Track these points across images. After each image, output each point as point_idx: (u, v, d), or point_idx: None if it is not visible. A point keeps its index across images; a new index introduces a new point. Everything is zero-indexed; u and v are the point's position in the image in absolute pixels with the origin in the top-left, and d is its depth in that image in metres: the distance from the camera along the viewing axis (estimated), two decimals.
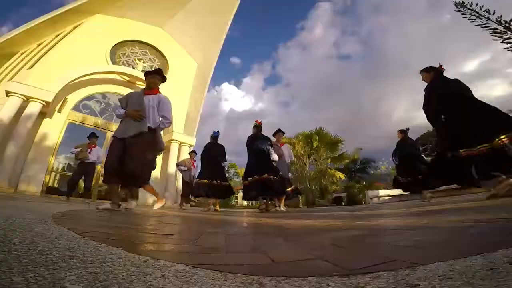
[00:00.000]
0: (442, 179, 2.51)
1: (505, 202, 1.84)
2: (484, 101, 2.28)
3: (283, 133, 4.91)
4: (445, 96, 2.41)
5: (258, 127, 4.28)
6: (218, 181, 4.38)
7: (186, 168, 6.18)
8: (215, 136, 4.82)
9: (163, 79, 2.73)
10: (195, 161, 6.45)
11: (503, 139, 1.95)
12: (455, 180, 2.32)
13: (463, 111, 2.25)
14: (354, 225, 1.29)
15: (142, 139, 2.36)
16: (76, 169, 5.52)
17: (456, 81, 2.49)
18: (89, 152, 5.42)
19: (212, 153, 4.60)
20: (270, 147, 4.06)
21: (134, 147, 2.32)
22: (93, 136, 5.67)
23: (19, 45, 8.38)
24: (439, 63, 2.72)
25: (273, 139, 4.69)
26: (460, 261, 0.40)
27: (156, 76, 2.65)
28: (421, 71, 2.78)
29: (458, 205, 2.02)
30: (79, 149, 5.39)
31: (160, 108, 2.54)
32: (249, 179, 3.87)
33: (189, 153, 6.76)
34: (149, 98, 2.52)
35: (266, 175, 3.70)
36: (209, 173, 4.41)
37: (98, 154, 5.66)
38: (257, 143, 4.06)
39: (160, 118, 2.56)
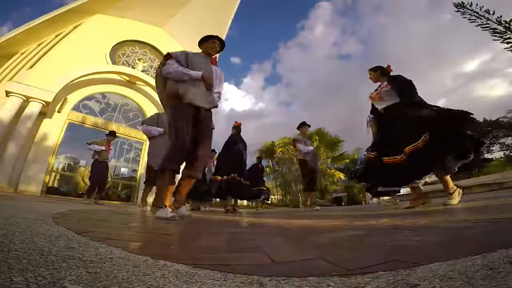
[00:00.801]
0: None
1: (505, 202, 1.84)
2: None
3: (309, 126, 4.73)
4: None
5: (237, 128, 4.52)
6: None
7: (207, 169, 5.85)
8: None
9: (222, 47, 2.22)
10: (214, 160, 6.03)
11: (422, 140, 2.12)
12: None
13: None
14: (354, 225, 1.29)
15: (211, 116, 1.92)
16: (94, 169, 4.99)
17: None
18: (108, 152, 5.03)
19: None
20: (245, 152, 4.48)
21: (208, 123, 1.87)
22: (113, 135, 5.24)
23: (19, 45, 8.39)
24: (388, 65, 2.81)
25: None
26: (460, 261, 0.40)
27: (217, 41, 2.14)
28: (369, 70, 2.85)
29: (458, 205, 2.01)
30: (102, 148, 4.93)
31: (218, 83, 2.10)
32: (224, 177, 4.06)
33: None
34: (213, 67, 2.07)
35: (242, 179, 4.10)
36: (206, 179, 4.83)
37: (111, 154, 5.29)
38: (239, 145, 4.31)
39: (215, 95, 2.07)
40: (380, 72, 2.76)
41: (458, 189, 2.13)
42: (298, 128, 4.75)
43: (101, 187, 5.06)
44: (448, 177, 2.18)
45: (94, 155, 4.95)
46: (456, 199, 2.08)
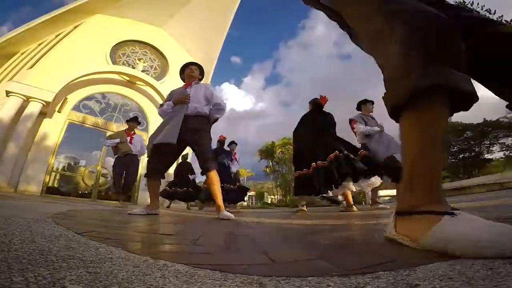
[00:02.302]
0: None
1: (505, 202, 1.84)
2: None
3: (372, 102, 3.75)
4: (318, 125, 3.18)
5: (221, 142, 5.60)
6: (189, 189, 5.76)
7: (227, 164, 5.56)
8: (186, 157, 6.26)
9: (202, 70, 2.66)
10: (235, 153, 5.87)
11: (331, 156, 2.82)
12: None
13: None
14: (354, 225, 1.29)
15: None
16: (116, 164, 4.25)
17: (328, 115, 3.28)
18: (130, 142, 4.23)
19: (184, 168, 6.09)
20: (230, 161, 5.47)
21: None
22: (134, 120, 4.44)
23: (19, 45, 8.40)
24: (320, 95, 3.36)
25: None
26: (460, 261, 0.40)
27: (192, 67, 2.55)
28: (309, 102, 3.48)
29: (458, 205, 2.02)
30: (117, 140, 4.15)
31: (210, 96, 2.56)
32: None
33: (229, 145, 5.97)
34: (193, 87, 2.51)
35: (226, 184, 4.77)
36: (182, 182, 5.78)
37: (141, 143, 4.43)
38: (222, 156, 5.29)
39: None
40: (312, 105, 3.37)
41: (354, 207, 2.97)
42: (359, 107, 3.80)
43: (125, 185, 4.30)
44: (348, 193, 2.94)
45: (115, 151, 4.24)
46: (353, 209, 2.91)
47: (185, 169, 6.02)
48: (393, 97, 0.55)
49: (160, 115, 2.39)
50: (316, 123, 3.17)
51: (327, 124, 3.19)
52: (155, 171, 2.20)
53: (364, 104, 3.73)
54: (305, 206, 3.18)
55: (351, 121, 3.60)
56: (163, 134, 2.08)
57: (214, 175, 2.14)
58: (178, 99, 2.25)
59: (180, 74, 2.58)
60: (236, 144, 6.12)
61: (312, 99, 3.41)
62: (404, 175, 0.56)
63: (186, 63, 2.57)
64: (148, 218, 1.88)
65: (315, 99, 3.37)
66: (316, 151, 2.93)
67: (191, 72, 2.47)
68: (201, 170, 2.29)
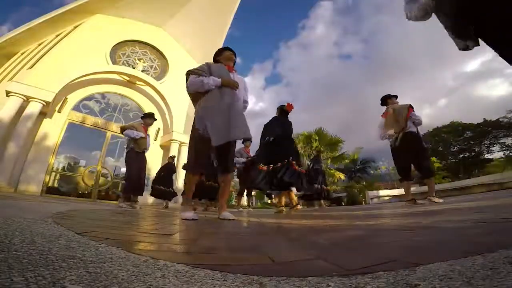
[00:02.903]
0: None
1: (505, 202, 1.84)
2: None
3: (396, 97, 3.62)
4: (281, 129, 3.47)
5: None
6: (169, 188, 5.91)
7: (244, 160, 5.27)
8: (172, 158, 6.56)
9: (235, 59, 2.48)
10: (249, 150, 5.68)
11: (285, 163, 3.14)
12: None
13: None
14: (354, 225, 1.29)
15: None
16: (131, 161, 3.81)
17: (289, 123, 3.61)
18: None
19: (169, 169, 6.23)
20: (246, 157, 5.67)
21: None
22: (151, 116, 4.14)
23: (20, 45, 8.39)
24: (287, 102, 3.65)
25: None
26: (460, 261, 0.40)
27: (232, 52, 2.37)
28: (277, 108, 3.77)
29: (458, 205, 2.02)
30: (142, 134, 3.82)
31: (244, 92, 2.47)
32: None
33: (243, 142, 5.58)
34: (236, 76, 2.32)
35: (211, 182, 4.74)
36: (164, 182, 5.95)
37: (149, 142, 4.08)
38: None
39: None
40: (280, 110, 3.65)
41: (284, 208, 3.35)
42: (384, 102, 3.64)
43: (141, 187, 3.93)
44: (292, 194, 3.50)
45: (130, 143, 3.82)
46: (283, 211, 3.26)
47: (169, 169, 6.17)
48: None
49: (195, 83, 2.03)
50: (284, 128, 3.50)
51: (290, 131, 3.60)
52: (202, 164, 2.00)
53: (390, 99, 3.61)
54: (283, 207, 3.38)
55: (409, 108, 3.34)
56: (230, 130, 1.84)
57: (230, 177, 2.25)
58: (229, 81, 2.03)
59: (217, 55, 2.35)
60: (251, 141, 5.68)
61: (279, 105, 3.74)
62: None
63: (224, 47, 2.40)
64: (148, 218, 1.88)
65: (282, 106, 3.69)
66: (282, 153, 3.23)
67: (231, 55, 2.30)
68: (220, 168, 2.13)
